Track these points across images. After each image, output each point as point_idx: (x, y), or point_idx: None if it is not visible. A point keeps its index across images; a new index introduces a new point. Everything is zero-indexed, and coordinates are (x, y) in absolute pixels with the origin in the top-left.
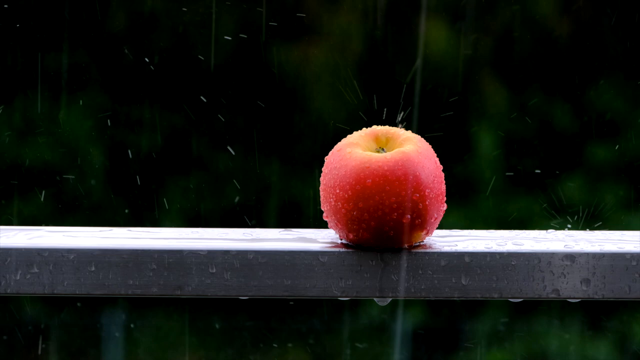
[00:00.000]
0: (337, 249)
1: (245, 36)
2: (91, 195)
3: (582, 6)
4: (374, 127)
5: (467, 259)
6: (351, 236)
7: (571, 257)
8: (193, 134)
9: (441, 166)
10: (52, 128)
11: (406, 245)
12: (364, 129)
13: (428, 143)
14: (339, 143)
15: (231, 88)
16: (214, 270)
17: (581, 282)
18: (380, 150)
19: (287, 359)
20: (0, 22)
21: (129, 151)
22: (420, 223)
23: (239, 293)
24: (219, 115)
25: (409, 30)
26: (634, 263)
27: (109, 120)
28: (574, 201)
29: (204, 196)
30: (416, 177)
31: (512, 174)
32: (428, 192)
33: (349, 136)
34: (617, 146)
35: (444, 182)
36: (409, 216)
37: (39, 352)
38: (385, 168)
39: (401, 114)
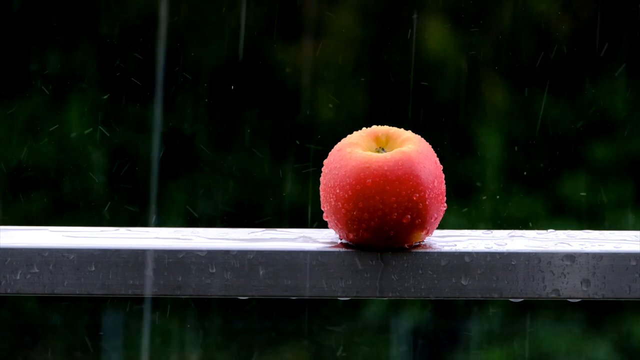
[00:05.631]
0: (337, 249)
1: (246, 35)
2: (91, 196)
3: (582, 5)
4: (374, 127)
5: (467, 259)
6: (351, 236)
7: (571, 257)
8: (194, 133)
9: (441, 166)
10: (52, 128)
11: (406, 245)
12: (364, 128)
13: (428, 143)
14: (339, 143)
15: (231, 88)
16: (214, 270)
17: (581, 282)
18: (380, 150)
19: (287, 359)
20: (1, 21)
21: (129, 151)
22: (420, 223)
23: (239, 293)
24: (220, 115)
25: (409, 29)
26: (634, 263)
27: (109, 120)
28: (575, 201)
29: (204, 196)
30: (416, 177)
31: (512, 173)
32: (428, 192)
33: (349, 136)
34: (618, 145)
35: (444, 182)
36: (409, 216)
37: (39, 352)
38: (386, 168)
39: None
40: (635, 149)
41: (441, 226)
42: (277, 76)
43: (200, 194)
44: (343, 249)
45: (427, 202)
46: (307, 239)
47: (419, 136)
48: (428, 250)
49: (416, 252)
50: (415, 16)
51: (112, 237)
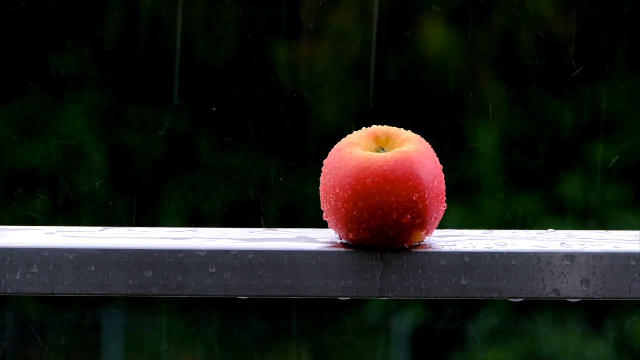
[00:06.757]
0: (337, 249)
1: (246, 36)
2: (91, 195)
3: (582, 5)
4: (374, 127)
5: (467, 259)
6: (351, 236)
7: (571, 257)
8: (193, 133)
9: (441, 166)
10: (53, 128)
11: (406, 245)
12: (364, 128)
13: (428, 143)
14: (339, 143)
15: (231, 88)
16: (214, 270)
17: (581, 282)
18: (380, 150)
19: (287, 359)
20: (1, 22)
21: (130, 151)
22: (420, 223)
23: (239, 293)
24: (219, 115)
25: (408, 29)
26: (634, 263)
27: (109, 120)
28: (574, 201)
29: (204, 196)
30: (416, 177)
31: (512, 173)
32: (428, 192)
33: (349, 136)
34: (617, 145)
35: (444, 182)
36: (409, 216)
37: (39, 352)
38: (385, 168)
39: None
40: (635, 148)
41: (441, 226)
42: (277, 76)
43: (200, 194)
44: (343, 249)
45: (427, 202)
46: (307, 239)
47: (419, 136)
48: (428, 250)
49: (416, 252)
50: (415, 16)
51: (112, 237)
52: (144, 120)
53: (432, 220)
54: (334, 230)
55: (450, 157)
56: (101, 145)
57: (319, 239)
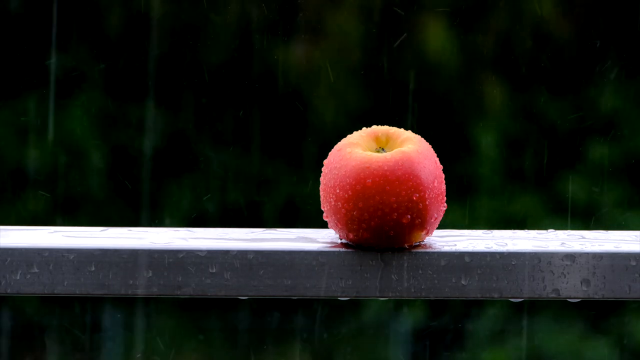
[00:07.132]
0: (337, 249)
1: (245, 35)
2: (91, 195)
3: (582, 5)
4: (374, 127)
5: (467, 259)
6: (351, 236)
7: (571, 257)
8: (193, 133)
9: (441, 166)
10: (52, 128)
11: (406, 245)
12: (364, 128)
13: (428, 143)
14: (339, 143)
15: (231, 88)
16: (214, 270)
17: (581, 282)
18: (380, 150)
19: (287, 359)
20: (1, 22)
21: (129, 151)
22: (420, 223)
23: (239, 293)
24: (219, 115)
25: (409, 29)
26: (634, 263)
27: (109, 120)
28: (574, 201)
29: (204, 196)
30: (416, 177)
31: (512, 173)
32: (428, 192)
33: (349, 136)
34: (617, 145)
35: (444, 182)
36: (409, 216)
37: (39, 352)
38: (386, 168)
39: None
40: (635, 148)
41: (441, 226)
42: (277, 76)
43: (200, 193)
44: (343, 249)
45: (427, 202)
46: (307, 239)
47: (419, 136)
48: (428, 250)
49: (416, 252)
50: (415, 16)
51: (112, 237)
52: (143, 120)
53: (432, 220)
54: (334, 230)
55: (450, 157)
56: (101, 145)
57: (319, 239)
